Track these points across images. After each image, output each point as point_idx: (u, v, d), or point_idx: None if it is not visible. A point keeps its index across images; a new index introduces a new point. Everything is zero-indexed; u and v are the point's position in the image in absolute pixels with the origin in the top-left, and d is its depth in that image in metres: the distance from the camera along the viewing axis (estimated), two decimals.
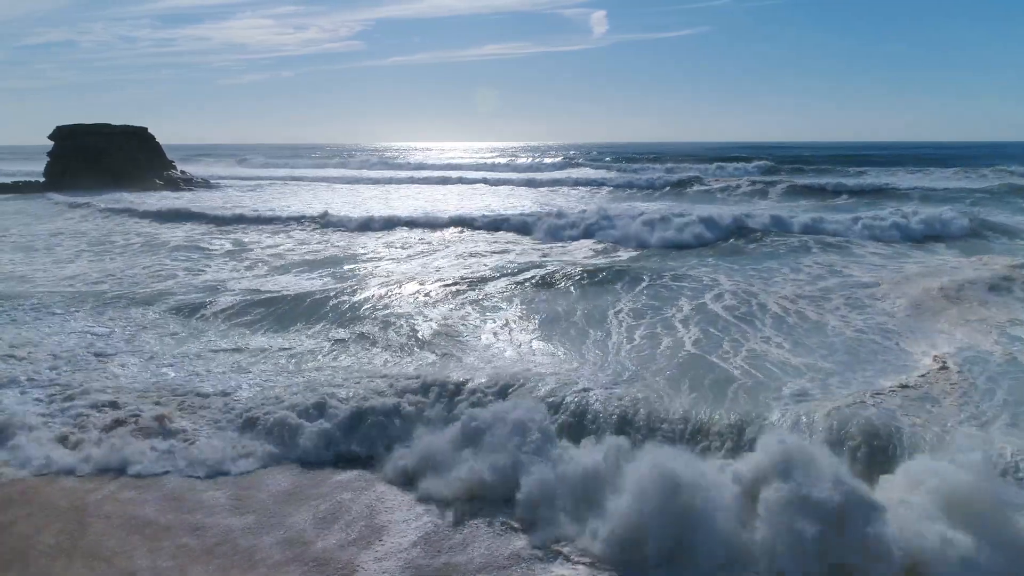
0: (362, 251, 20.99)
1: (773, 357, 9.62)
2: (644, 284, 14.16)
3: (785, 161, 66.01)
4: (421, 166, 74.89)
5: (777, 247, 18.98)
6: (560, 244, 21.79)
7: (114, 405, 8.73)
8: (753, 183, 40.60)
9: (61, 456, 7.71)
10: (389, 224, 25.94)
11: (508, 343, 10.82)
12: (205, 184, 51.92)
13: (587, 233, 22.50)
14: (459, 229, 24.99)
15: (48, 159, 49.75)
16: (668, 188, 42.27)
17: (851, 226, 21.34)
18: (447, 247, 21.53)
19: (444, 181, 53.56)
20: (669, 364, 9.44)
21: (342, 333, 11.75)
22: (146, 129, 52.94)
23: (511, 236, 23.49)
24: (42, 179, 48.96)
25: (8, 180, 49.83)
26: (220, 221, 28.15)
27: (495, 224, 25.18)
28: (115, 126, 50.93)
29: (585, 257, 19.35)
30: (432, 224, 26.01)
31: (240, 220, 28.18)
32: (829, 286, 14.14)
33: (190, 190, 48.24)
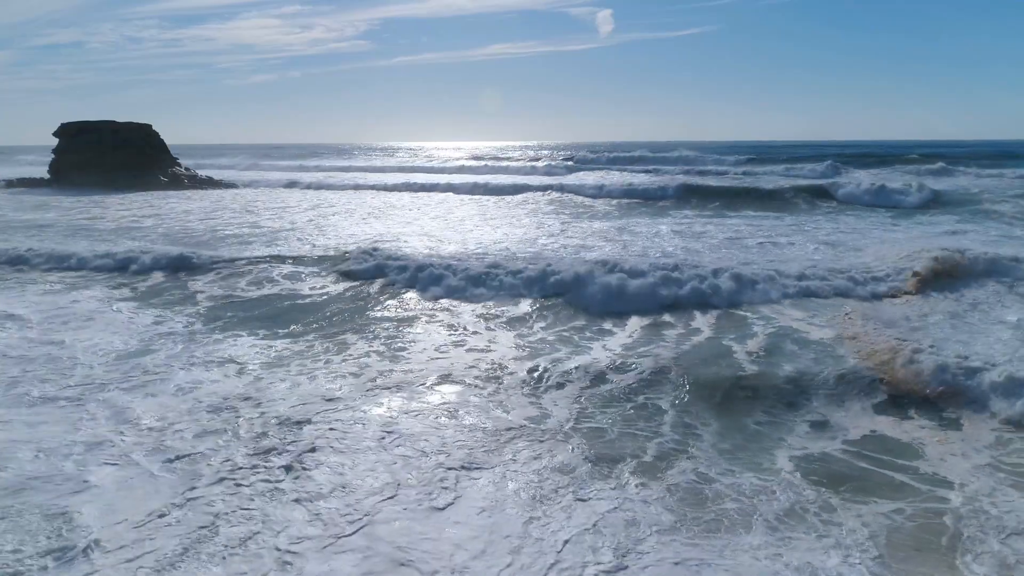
0: None
1: None
2: None
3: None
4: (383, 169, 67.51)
5: None
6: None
7: None
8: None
9: None
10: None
11: None
12: (211, 182, 51.23)
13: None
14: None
15: (52, 156, 49.18)
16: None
17: None
18: None
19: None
20: None
21: None
22: (150, 126, 52.36)
23: None
24: (47, 175, 48.50)
25: (14, 177, 49.41)
26: None
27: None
28: (119, 123, 50.40)
29: None
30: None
31: None
32: None
33: (200, 188, 47.71)
